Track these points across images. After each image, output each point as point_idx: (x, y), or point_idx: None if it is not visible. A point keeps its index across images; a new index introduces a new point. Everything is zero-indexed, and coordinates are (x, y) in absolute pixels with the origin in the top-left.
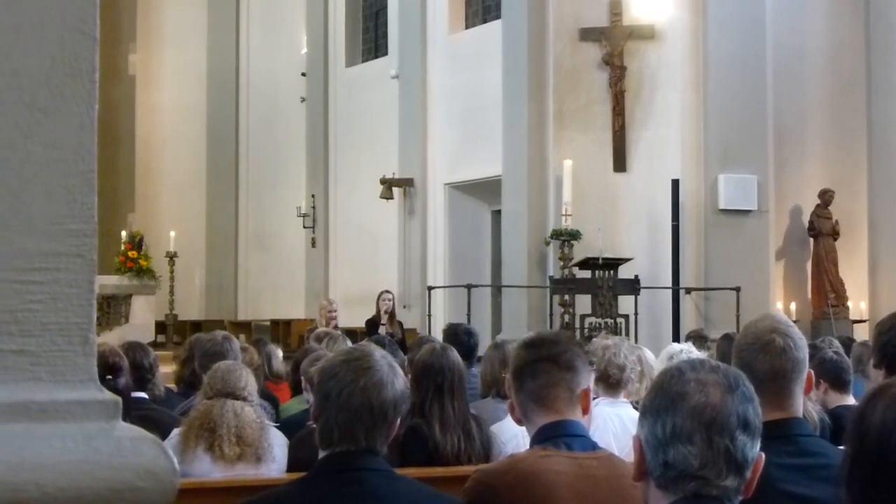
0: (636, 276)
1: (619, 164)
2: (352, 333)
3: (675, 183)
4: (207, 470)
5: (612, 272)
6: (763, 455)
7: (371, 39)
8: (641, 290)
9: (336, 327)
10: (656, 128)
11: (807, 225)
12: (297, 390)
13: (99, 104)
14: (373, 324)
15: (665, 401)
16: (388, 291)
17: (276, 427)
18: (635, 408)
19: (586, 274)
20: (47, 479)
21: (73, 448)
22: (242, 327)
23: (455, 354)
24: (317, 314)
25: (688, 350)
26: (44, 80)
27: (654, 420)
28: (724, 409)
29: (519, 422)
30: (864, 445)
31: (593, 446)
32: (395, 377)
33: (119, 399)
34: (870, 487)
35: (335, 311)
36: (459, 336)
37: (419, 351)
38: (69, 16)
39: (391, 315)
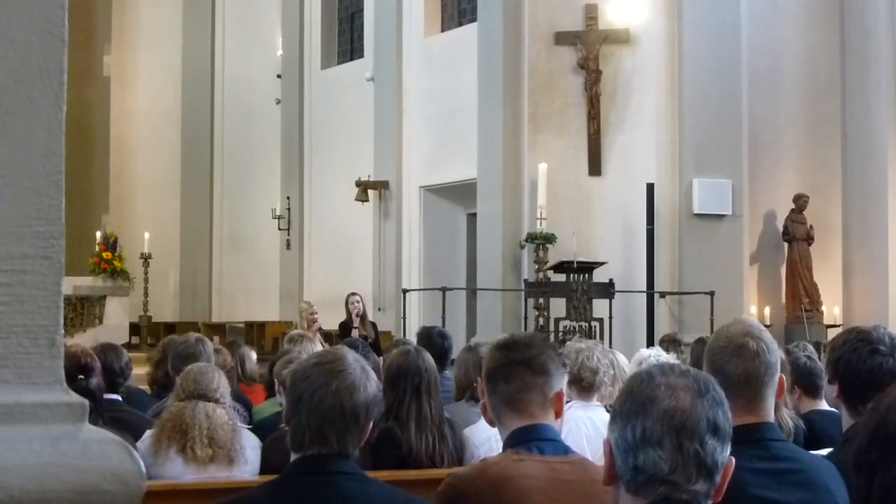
0: (611, 280)
1: (594, 167)
2: (326, 336)
3: (650, 187)
4: (179, 472)
5: (586, 276)
6: (733, 459)
7: (347, 42)
8: (616, 293)
9: (319, 329)
10: (631, 132)
11: (781, 230)
12: (271, 392)
13: (73, 105)
14: (345, 327)
15: (635, 405)
16: (355, 294)
17: (249, 429)
18: (608, 411)
19: (561, 277)
20: (12, 482)
21: (39, 450)
22: (216, 329)
23: (428, 356)
24: (296, 317)
25: (656, 355)
26: (11, 82)
27: (624, 424)
28: (694, 414)
29: (491, 423)
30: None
31: (566, 450)
32: (368, 380)
33: (86, 401)
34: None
35: (316, 313)
36: (433, 338)
37: (391, 354)
38: (37, 17)
39: (362, 317)
